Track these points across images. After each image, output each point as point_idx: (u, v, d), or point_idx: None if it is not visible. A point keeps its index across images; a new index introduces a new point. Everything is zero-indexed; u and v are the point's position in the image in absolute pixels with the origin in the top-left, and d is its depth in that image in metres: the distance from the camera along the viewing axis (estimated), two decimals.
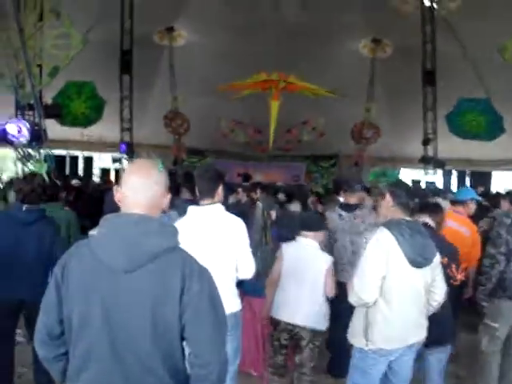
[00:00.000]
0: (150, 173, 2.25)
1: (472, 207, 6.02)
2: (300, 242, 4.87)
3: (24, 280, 4.55)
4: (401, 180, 4.07)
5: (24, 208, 4.67)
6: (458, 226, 5.79)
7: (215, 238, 4.00)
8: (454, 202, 6.15)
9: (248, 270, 4.19)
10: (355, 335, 3.82)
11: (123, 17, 17.70)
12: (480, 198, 6.48)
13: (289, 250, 4.86)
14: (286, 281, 4.78)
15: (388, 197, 3.77)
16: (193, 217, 4.11)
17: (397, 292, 3.63)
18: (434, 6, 17.62)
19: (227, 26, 18.01)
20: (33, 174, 5.51)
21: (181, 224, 3.97)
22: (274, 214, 6.12)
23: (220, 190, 4.12)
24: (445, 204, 6.24)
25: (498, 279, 4.84)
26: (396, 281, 3.61)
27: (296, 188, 9.08)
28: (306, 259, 4.79)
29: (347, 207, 5.76)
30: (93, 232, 2.19)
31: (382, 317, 3.65)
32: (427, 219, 4.59)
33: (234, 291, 4.19)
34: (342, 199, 6.57)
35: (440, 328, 4.08)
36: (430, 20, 18.03)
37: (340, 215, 5.76)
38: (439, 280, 3.80)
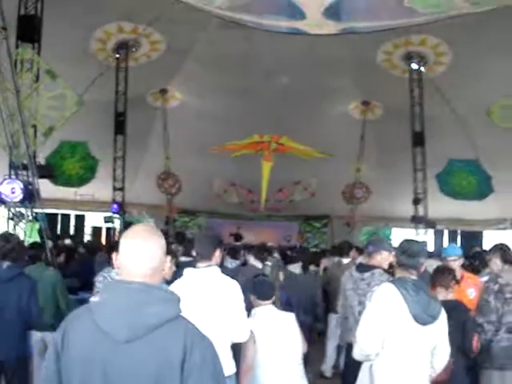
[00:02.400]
0: (147, 239, 2.21)
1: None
2: (264, 312, 4.64)
3: (4, 339, 4.53)
4: (405, 240, 4.05)
5: (5, 266, 4.73)
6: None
7: (210, 300, 3.99)
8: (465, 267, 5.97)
9: (242, 333, 4.16)
10: None
11: (118, 79, 17.99)
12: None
13: (259, 325, 4.55)
14: (266, 357, 4.48)
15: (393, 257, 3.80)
16: (188, 279, 4.10)
17: (401, 348, 3.59)
18: (422, 69, 18.05)
19: (220, 89, 18.36)
20: (9, 233, 5.55)
21: (176, 286, 3.96)
22: (281, 276, 6.07)
23: (218, 253, 4.14)
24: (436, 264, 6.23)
25: (484, 350, 4.65)
26: (400, 336, 3.58)
27: (299, 249, 9.06)
28: (278, 326, 4.59)
29: (361, 268, 5.74)
30: (94, 298, 2.17)
31: (385, 372, 3.61)
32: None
33: (229, 354, 4.15)
34: (359, 260, 6.58)
35: None
36: (418, 83, 18.42)
37: (351, 275, 5.76)
38: (443, 343, 3.73)
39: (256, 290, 4.72)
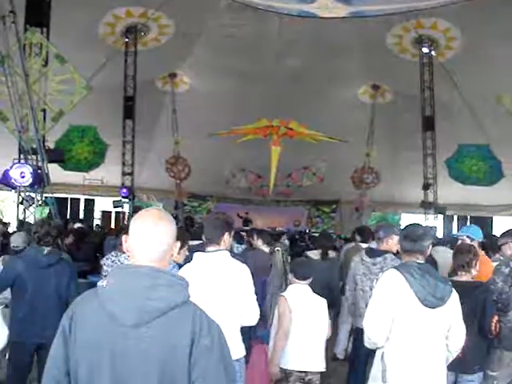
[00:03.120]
0: (158, 223, 2.20)
1: None
2: (297, 289, 4.90)
3: (45, 323, 4.59)
4: (408, 225, 4.02)
5: (45, 251, 4.79)
6: None
7: (220, 284, 3.98)
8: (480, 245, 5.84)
9: (252, 317, 4.17)
10: (374, 378, 3.76)
11: (127, 63, 17.97)
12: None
13: (293, 299, 4.86)
14: (295, 331, 4.76)
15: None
16: (198, 263, 4.10)
17: (411, 333, 3.55)
18: (433, 53, 17.91)
19: (229, 73, 18.30)
20: (49, 218, 5.64)
21: (186, 270, 3.97)
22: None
23: (226, 237, 4.12)
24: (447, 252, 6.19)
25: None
26: (409, 322, 3.54)
27: (321, 235, 8.95)
28: (309, 306, 4.82)
29: (372, 253, 5.74)
30: (102, 283, 2.16)
31: (397, 358, 3.58)
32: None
33: (238, 338, 4.15)
34: (371, 245, 6.57)
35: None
36: (428, 67, 18.29)
37: (362, 260, 5.76)
38: (457, 325, 3.68)
39: (294, 269, 5.02)
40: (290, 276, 5.01)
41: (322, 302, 4.93)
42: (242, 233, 8.80)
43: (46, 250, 4.80)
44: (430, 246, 3.77)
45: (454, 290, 3.65)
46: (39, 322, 4.65)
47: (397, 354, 3.59)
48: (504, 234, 5.35)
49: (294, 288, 4.93)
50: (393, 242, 5.41)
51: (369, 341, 3.68)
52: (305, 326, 4.76)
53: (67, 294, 4.70)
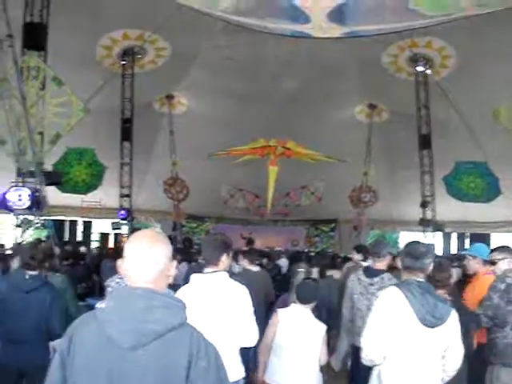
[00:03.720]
0: (152, 244, 2.21)
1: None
2: (295, 309, 4.88)
3: (25, 347, 4.60)
4: (410, 242, 4.03)
5: (28, 276, 4.75)
6: None
7: (218, 305, 3.97)
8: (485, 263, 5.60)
9: (251, 338, 4.15)
10: None
11: (124, 85, 18.06)
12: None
13: (285, 316, 4.85)
14: (281, 347, 4.75)
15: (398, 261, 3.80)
16: (196, 285, 4.08)
17: (409, 352, 3.54)
18: (428, 71, 18.02)
19: (226, 94, 18.39)
20: (39, 240, 5.60)
21: (183, 292, 3.95)
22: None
23: (225, 258, 4.11)
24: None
25: (491, 345, 4.69)
26: (407, 340, 3.53)
27: (318, 254, 8.99)
28: (302, 326, 4.79)
29: (369, 272, 5.74)
30: (100, 305, 2.16)
31: (393, 376, 3.57)
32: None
33: (238, 359, 4.13)
34: (366, 263, 6.55)
35: None
36: (424, 85, 18.39)
37: (359, 279, 5.76)
38: (455, 345, 3.66)
39: (298, 291, 4.96)
40: (293, 297, 4.99)
41: (321, 328, 4.88)
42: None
43: (29, 274, 4.76)
44: (432, 264, 3.76)
45: (453, 309, 3.64)
46: (20, 346, 4.63)
47: (393, 372, 3.58)
48: (498, 250, 5.25)
49: (293, 307, 4.92)
50: (388, 261, 5.45)
51: (366, 357, 3.67)
52: (295, 345, 4.73)
53: (48, 321, 4.67)
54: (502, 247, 5.31)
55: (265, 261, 11.09)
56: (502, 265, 5.08)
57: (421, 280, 3.64)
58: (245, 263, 7.39)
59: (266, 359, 4.78)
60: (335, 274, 8.32)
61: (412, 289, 3.55)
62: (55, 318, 4.68)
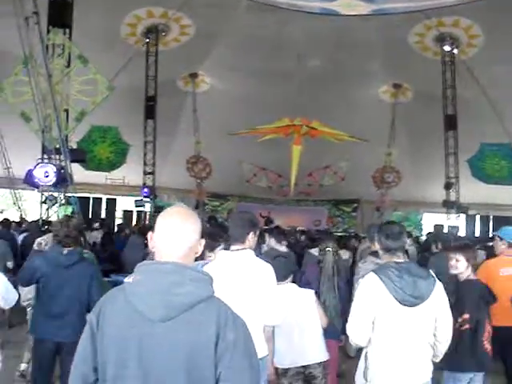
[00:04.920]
0: (185, 220, 2.24)
1: None
2: (283, 290, 4.79)
3: (63, 323, 4.67)
4: (384, 224, 4.08)
5: (65, 251, 4.81)
6: None
7: (243, 283, 3.98)
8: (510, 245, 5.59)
9: (276, 317, 4.16)
10: (358, 376, 3.84)
11: (148, 63, 18.08)
12: None
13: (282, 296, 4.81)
14: (286, 329, 4.69)
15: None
16: (222, 262, 4.10)
17: (392, 332, 3.60)
18: (454, 51, 17.78)
19: (250, 73, 18.31)
20: (69, 217, 5.65)
21: (210, 268, 3.97)
22: None
23: (251, 236, 4.11)
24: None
25: None
26: (389, 321, 3.59)
27: (320, 232, 8.99)
28: (296, 302, 4.82)
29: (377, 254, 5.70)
30: (128, 279, 2.18)
31: (378, 357, 3.64)
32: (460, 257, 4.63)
33: (262, 337, 4.15)
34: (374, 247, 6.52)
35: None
36: (450, 65, 18.15)
37: (376, 264, 5.71)
38: (443, 316, 3.70)
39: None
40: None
41: (309, 295, 4.91)
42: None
43: (66, 250, 4.83)
44: (408, 241, 3.82)
45: (437, 282, 3.67)
46: (58, 321, 4.70)
47: (378, 354, 3.65)
48: None
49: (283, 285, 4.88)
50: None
51: (351, 342, 3.81)
52: (295, 323, 4.73)
53: (89, 295, 4.74)
54: None
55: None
56: None
57: (400, 261, 3.67)
58: (272, 243, 7.39)
59: (272, 345, 4.66)
60: (343, 253, 8.29)
61: (389, 272, 3.58)
62: (96, 292, 4.71)
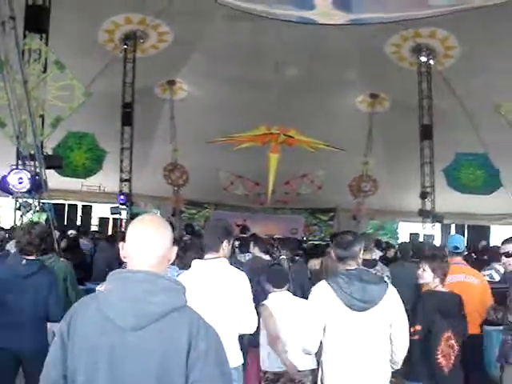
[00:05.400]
0: (156, 228, 2.23)
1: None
2: (277, 297, 5.02)
3: (22, 332, 4.55)
4: (338, 233, 4.20)
5: (24, 262, 4.69)
6: (465, 277, 5.53)
7: (217, 292, 3.97)
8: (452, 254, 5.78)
9: (250, 325, 4.16)
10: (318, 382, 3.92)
11: (126, 70, 18.00)
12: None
13: (274, 306, 4.96)
14: (281, 334, 4.84)
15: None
16: (196, 271, 4.09)
17: (344, 338, 3.67)
18: (431, 62, 17.97)
19: (227, 80, 18.33)
20: (33, 224, 5.53)
21: (184, 277, 3.95)
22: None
23: (225, 244, 4.10)
24: None
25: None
26: (341, 327, 3.67)
27: (288, 240, 9.11)
28: (291, 310, 4.90)
29: (367, 264, 5.73)
30: (100, 288, 2.16)
31: (333, 363, 3.71)
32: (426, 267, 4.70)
33: (236, 345, 4.14)
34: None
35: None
36: (426, 75, 18.34)
37: None
38: (398, 321, 3.74)
39: (270, 278, 5.10)
40: (268, 286, 5.10)
41: (304, 303, 4.91)
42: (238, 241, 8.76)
43: (25, 260, 4.69)
44: (362, 251, 3.89)
45: (390, 287, 3.75)
46: (17, 331, 4.57)
47: (332, 360, 3.73)
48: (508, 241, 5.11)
49: (273, 296, 5.03)
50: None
51: (302, 347, 3.86)
52: (290, 330, 4.80)
53: (46, 305, 4.62)
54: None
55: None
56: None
57: (351, 268, 3.75)
58: (255, 251, 7.38)
59: (281, 349, 4.82)
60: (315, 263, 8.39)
61: (339, 279, 3.68)
62: (54, 302, 4.63)
